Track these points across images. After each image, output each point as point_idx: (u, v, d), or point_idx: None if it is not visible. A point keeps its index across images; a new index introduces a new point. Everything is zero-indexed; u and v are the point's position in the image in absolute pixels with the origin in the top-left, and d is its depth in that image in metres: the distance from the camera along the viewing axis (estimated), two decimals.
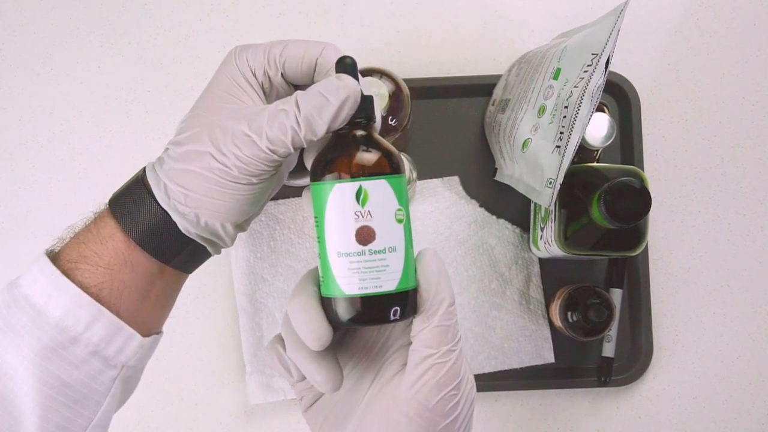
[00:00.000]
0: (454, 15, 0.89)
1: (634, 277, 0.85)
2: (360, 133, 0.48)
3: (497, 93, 0.84)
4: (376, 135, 0.49)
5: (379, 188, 0.46)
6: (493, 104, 0.85)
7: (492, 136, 0.83)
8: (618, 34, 0.62)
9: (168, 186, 0.48)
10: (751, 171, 0.87)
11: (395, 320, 0.47)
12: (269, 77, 0.50)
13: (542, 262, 0.86)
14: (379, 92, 0.68)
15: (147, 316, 0.51)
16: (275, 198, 0.87)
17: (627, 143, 0.85)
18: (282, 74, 0.51)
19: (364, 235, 0.46)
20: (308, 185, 0.49)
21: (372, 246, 0.46)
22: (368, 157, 0.47)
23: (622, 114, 0.86)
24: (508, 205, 0.86)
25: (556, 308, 0.81)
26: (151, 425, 0.87)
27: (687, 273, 0.87)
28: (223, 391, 0.87)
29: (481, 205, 0.87)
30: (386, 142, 0.49)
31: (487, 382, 0.85)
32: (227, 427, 0.87)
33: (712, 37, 0.88)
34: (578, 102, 0.64)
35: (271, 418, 0.87)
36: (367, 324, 0.48)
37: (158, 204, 0.48)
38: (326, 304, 0.48)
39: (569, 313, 0.79)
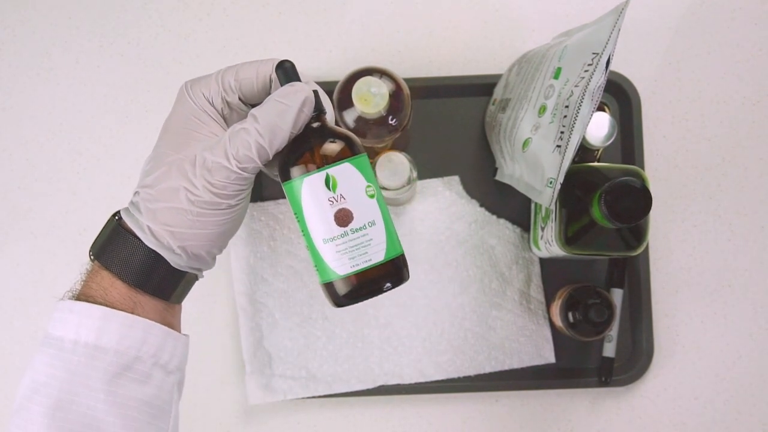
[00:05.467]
0: (454, 15, 0.89)
1: (634, 277, 0.85)
2: (315, 125, 0.51)
3: (497, 92, 0.84)
4: (330, 124, 0.52)
5: (345, 172, 0.49)
6: (493, 104, 0.85)
7: (492, 135, 0.83)
8: (619, 34, 0.62)
9: (152, 228, 0.49)
10: (752, 171, 0.87)
11: (394, 286, 0.51)
12: (227, 103, 0.52)
13: (543, 261, 0.86)
14: (379, 92, 0.68)
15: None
16: (275, 198, 0.87)
17: (628, 143, 0.85)
18: (239, 97, 0.52)
19: (342, 218, 0.49)
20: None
21: (352, 225, 0.49)
22: (328, 146, 0.50)
23: (622, 113, 0.86)
24: (509, 205, 0.86)
25: (556, 308, 0.81)
26: None
27: (688, 273, 0.86)
28: (223, 391, 0.87)
29: (481, 205, 0.87)
30: (341, 129, 0.52)
31: (488, 382, 0.85)
32: (227, 427, 0.87)
33: (713, 37, 0.88)
34: (579, 101, 0.63)
35: (271, 418, 0.87)
36: (369, 296, 0.51)
37: (146, 246, 0.49)
38: (327, 290, 0.51)
39: (570, 313, 0.79)
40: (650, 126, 0.87)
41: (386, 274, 0.50)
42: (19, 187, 0.89)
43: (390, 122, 0.72)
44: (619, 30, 0.62)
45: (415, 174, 0.77)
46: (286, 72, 0.50)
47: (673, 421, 0.86)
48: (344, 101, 0.72)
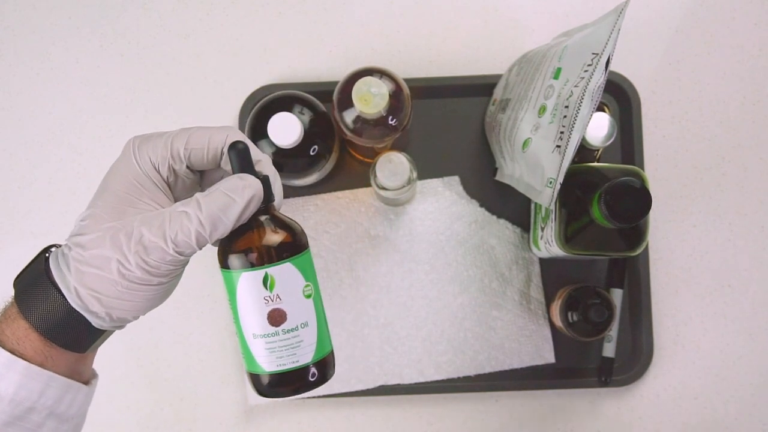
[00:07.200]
0: (454, 15, 0.89)
1: (634, 277, 0.85)
2: (261, 217, 0.49)
3: (497, 93, 0.84)
4: (278, 213, 0.51)
5: (284, 272, 0.48)
6: (493, 104, 0.85)
7: (492, 135, 0.83)
8: (618, 34, 0.62)
9: (79, 290, 0.48)
10: (752, 171, 0.87)
11: (317, 385, 0.50)
12: (174, 170, 0.50)
13: (542, 262, 0.86)
14: (379, 92, 0.68)
15: (78, 379, 0.52)
16: None
17: (627, 143, 0.85)
18: (187, 165, 0.50)
19: (276, 317, 0.48)
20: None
21: (284, 326, 0.48)
22: (271, 242, 0.49)
23: (622, 114, 0.86)
24: (509, 205, 0.86)
25: (556, 308, 0.81)
26: (151, 425, 0.87)
27: (687, 273, 0.86)
28: (223, 391, 0.87)
29: (481, 205, 0.87)
30: (287, 219, 0.50)
31: (488, 382, 0.85)
32: (227, 427, 0.87)
33: (713, 37, 0.88)
34: (579, 101, 0.63)
35: (271, 418, 0.87)
36: (291, 394, 0.50)
37: (70, 305, 0.48)
38: (252, 380, 0.50)
39: (570, 313, 0.79)
40: (650, 126, 0.87)
41: (311, 375, 0.50)
42: (19, 187, 0.89)
43: (390, 122, 0.72)
44: (619, 30, 0.62)
45: (415, 174, 0.77)
46: (239, 155, 0.48)
47: (673, 421, 0.86)
48: (344, 101, 0.72)
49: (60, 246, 0.50)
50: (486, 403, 0.86)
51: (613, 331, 0.85)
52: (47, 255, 0.50)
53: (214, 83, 0.89)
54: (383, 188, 0.77)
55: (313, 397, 0.85)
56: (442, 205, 0.86)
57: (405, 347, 0.85)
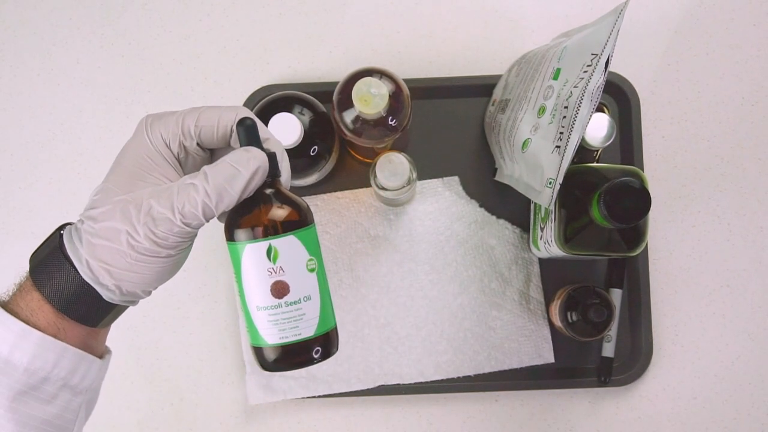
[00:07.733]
0: (454, 15, 0.89)
1: (634, 278, 0.85)
2: (267, 191, 0.50)
3: (497, 93, 0.84)
4: (284, 189, 0.52)
5: (288, 244, 0.49)
6: (493, 104, 0.85)
7: (492, 136, 0.84)
8: (618, 34, 0.62)
9: (90, 262, 0.49)
10: (751, 171, 0.87)
11: (320, 360, 0.51)
12: (184, 147, 0.51)
13: (542, 262, 0.86)
14: (379, 93, 0.68)
15: (91, 353, 0.53)
16: None
17: (627, 143, 0.85)
18: (197, 143, 0.51)
19: (279, 290, 0.49)
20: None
21: (287, 298, 0.49)
22: (275, 215, 0.50)
23: (621, 114, 0.86)
24: (508, 206, 0.86)
25: (556, 308, 0.81)
26: (151, 425, 0.87)
27: (687, 273, 0.87)
28: (223, 391, 0.87)
29: (481, 205, 0.87)
30: (293, 196, 0.51)
31: (487, 381, 0.85)
32: (227, 427, 0.87)
33: (712, 38, 0.88)
34: (578, 102, 0.64)
35: (271, 418, 0.87)
36: (294, 367, 0.51)
37: (81, 278, 0.49)
38: (256, 353, 0.51)
39: (569, 313, 0.79)
40: (649, 126, 0.87)
41: (313, 349, 0.50)
42: (19, 188, 0.89)
43: (390, 123, 0.72)
44: (618, 31, 0.62)
45: (414, 174, 0.78)
46: (247, 131, 0.50)
47: (671, 421, 0.86)
48: (344, 102, 0.72)
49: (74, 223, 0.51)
50: (486, 403, 0.87)
51: (613, 331, 0.85)
52: (61, 231, 0.51)
53: (214, 83, 0.89)
54: (383, 188, 0.77)
55: (313, 397, 0.85)
56: (442, 206, 0.87)
57: (405, 347, 0.86)
